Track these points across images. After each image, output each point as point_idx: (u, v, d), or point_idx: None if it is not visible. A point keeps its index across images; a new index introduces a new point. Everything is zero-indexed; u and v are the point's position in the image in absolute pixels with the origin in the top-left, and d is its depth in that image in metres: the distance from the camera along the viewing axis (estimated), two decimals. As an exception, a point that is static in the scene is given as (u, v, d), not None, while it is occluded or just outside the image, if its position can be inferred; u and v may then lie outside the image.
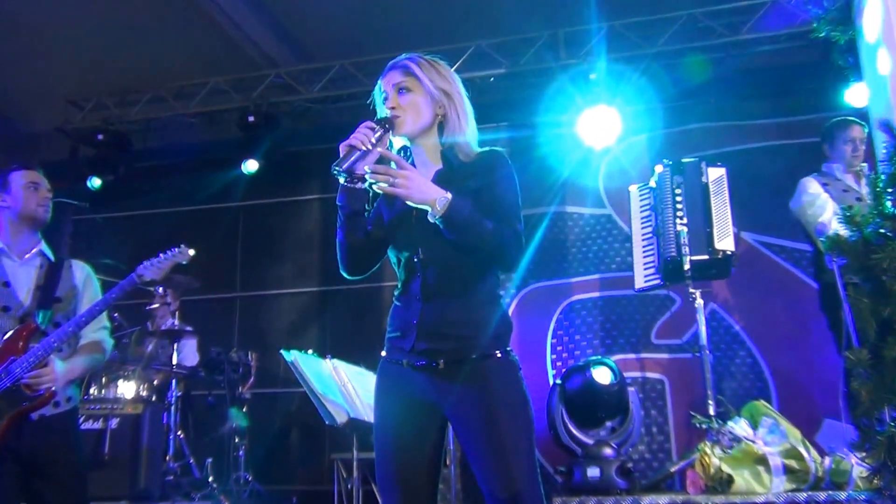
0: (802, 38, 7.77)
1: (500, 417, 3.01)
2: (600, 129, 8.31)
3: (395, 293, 3.27)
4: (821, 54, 7.12)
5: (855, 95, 7.54)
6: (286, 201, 9.94)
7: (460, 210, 3.01)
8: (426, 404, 3.11)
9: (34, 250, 4.50)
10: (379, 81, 3.32)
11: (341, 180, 3.09)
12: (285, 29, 9.34)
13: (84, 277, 4.53)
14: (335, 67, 9.05)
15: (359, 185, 3.10)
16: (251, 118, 9.08)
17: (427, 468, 3.11)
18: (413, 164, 3.25)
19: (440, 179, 3.17)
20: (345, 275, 3.34)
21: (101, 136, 9.46)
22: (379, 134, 3.07)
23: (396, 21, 8.60)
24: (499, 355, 3.11)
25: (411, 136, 3.26)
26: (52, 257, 4.53)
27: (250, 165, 9.06)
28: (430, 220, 3.01)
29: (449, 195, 2.99)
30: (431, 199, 2.98)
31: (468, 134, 3.27)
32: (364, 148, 3.03)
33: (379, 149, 3.07)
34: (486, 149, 3.29)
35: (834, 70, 7.48)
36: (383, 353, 3.25)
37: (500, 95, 8.96)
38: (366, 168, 3.00)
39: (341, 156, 3.02)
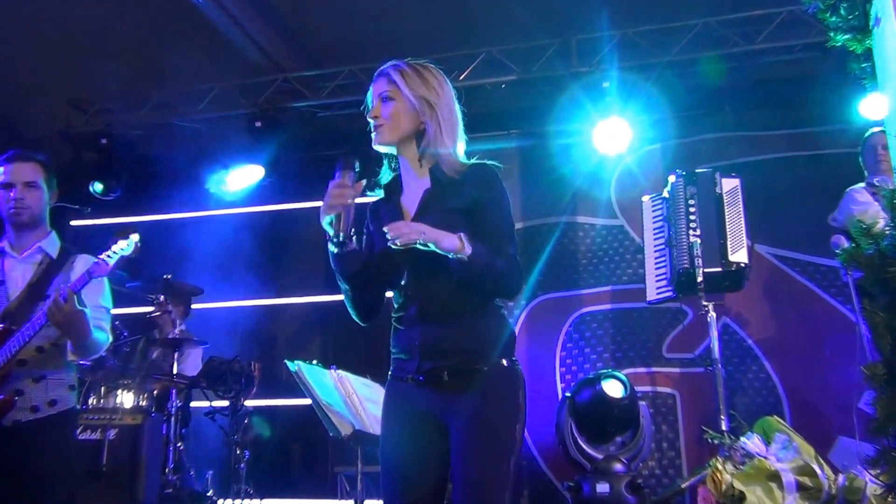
0: (818, 48, 7.72)
1: (486, 434, 3.03)
2: (612, 138, 8.22)
3: (394, 315, 3.29)
4: (837, 65, 7.04)
5: (870, 107, 7.44)
6: (292, 208, 9.81)
7: (479, 255, 3.00)
8: (431, 418, 3.12)
9: (34, 246, 4.33)
10: (370, 89, 3.34)
11: (334, 250, 3.13)
12: (293, 33, 9.25)
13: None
14: (343, 73, 8.95)
15: (350, 247, 3.13)
16: (258, 123, 8.96)
17: (432, 482, 3.13)
18: (401, 174, 3.32)
19: (429, 198, 3.21)
20: (360, 323, 3.41)
21: (104, 141, 9.34)
22: (350, 181, 3.06)
23: (406, 26, 8.52)
24: (505, 364, 3.13)
25: (391, 144, 3.26)
26: (54, 253, 4.34)
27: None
28: (451, 258, 3.00)
29: (465, 241, 2.96)
30: (458, 245, 2.96)
31: (451, 145, 3.24)
32: (349, 204, 3.04)
33: (355, 200, 3.07)
34: (475, 162, 3.28)
35: (849, 81, 7.39)
36: (390, 373, 3.28)
37: (511, 103, 8.88)
38: (385, 231, 2.95)
39: (328, 223, 3.07)
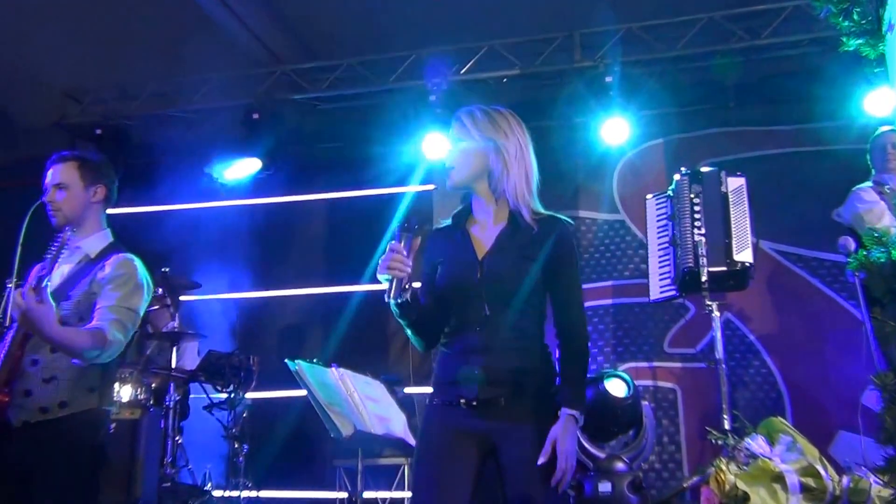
0: (824, 43, 7.65)
1: (536, 462, 3.15)
2: (615, 132, 8.18)
3: (445, 341, 3.44)
4: (842, 61, 7.01)
5: (875, 103, 7.46)
6: (290, 201, 9.77)
7: (584, 400, 3.30)
8: (480, 437, 3.27)
9: (75, 245, 4.27)
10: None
11: (391, 305, 3.24)
12: (292, 25, 9.16)
13: (110, 274, 4.16)
14: (343, 66, 8.87)
15: (405, 297, 3.22)
16: (255, 115, 8.87)
17: (467, 499, 3.26)
18: (472, 209, 3.52)
19: (504, 239, 3.39)
20: (423, 351, 3.63)
21: (99, 132, 9.28)
22: (406, 245, 3.21)
23: (407, 19, 8.43)
24: (549, 395, 3.30)
25: (462, 184, 3.46)
26: (93, 253, 4.26)
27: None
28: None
29: (575, 412, 3.22)
30: (578, 424, 3.23)
31: (522, 186, 3.39)
32: (404, 274, 3.17)
33: (411, 260, 3.21)
34: (552, 214, 3.45)
35: (855, 77, 7.38)
36: (433, 400, 3.42)
37: (513, 97, 8.78)
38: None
39: (385, 285, 3.18)
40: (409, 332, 3.43)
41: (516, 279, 3.29)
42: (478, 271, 3.33)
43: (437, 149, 8.18)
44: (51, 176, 4.32)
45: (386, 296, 3.18)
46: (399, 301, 3.18)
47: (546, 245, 3.33)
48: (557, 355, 3.43)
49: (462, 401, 3.26)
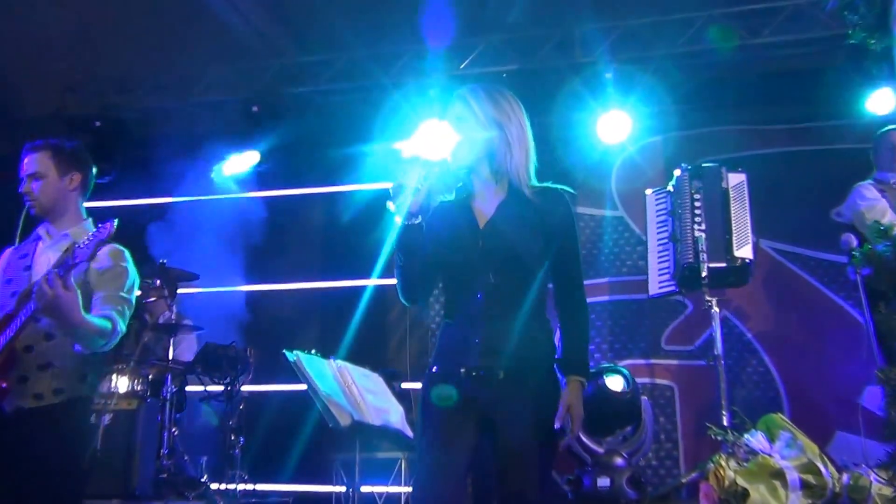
0: (825, 42, 7.65)
1: (538, 439, 3.22)
2: (614, 129, 8.21)
3: (448, 311, 3.48)
4: (843, 60, 7.02)
5: (877, 102, 7.49)
6: (288, 194, 9.76)
7: (587, 366, 3.40)
8: (478, 409, 3.28)
9: (63, 234, 4.24)
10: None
11: (398, 220, 3.28)
12: (292, 18, 9.14)
13: (104, 265, 4.17)
14: (343, 59, 8.88)
15: (414, 221, 3.27)
16: (255, 108, 8.88)
17: (464, 469, 3.27)
18: (472, 188, 3.52)
19: (504, 208, 3.43)
20: (406, 303, 3.61)
21: (98, 123, 9.24)
22: (425, 174, 3.27)
23: (407, 13, 8.41)
24: (549, 373, 3.33)
25: (465, 163, 3.47)
26: (81, 242, 4.14)
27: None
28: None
29: (583, 379, 3.34)
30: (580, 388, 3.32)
31: (522, 164, 3.42)
32: (418, 186, 3.23)
33: (426, 185, 3.27)
34: (550, 185, 3.49)
35: (855, 76, 7.37)
36: (433, 369, 3.41)
37: (512, 93, 8.78)
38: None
39: (392, 195, 3.24)
40: (401, 276, 3.42)
41: (517, 247, 3.32)
42: (480, 239, 3.36)
43: (435, 145, 8.17)
44: (25, 166, 4.29)
45: (394, 202, 3.21)
46: (408, 209, 3.21)
47: (546, 215, 3.37)
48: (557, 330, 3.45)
49: (462, 370, 3.27)
